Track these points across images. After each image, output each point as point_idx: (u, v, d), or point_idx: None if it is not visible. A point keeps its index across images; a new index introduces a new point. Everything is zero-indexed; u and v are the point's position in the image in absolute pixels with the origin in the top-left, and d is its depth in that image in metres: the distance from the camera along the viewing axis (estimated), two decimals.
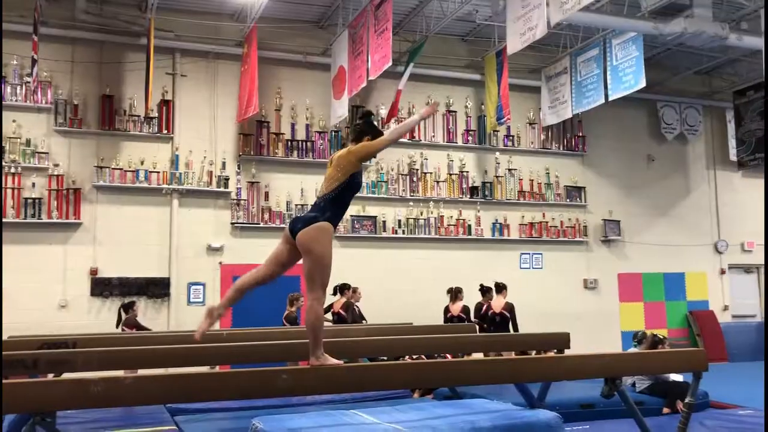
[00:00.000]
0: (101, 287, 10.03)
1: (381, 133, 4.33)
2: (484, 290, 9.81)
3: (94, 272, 10.04)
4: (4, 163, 9.64)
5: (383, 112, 11.86)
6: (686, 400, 5.28)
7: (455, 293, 9.75)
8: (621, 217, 13.19)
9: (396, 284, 11.08)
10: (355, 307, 9.76)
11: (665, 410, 7.27)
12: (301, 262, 4.19)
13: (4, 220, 9.37)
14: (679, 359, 5.61)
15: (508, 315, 9.48)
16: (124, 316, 9.16)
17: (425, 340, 6.51)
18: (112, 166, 10.22)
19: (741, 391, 8.61)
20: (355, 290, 9.94)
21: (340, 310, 9.59)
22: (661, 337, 8.04)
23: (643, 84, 10.17)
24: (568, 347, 6.82)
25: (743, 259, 14.31)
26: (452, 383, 6.40)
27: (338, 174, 4.14)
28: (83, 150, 10.21)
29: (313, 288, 4.09)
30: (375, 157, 4.05)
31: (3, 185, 9.47)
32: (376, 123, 5.32)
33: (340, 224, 11.21)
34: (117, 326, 9.18)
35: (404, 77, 10.68)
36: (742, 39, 10.02)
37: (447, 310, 9.81)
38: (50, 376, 5.12)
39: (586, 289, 12.87)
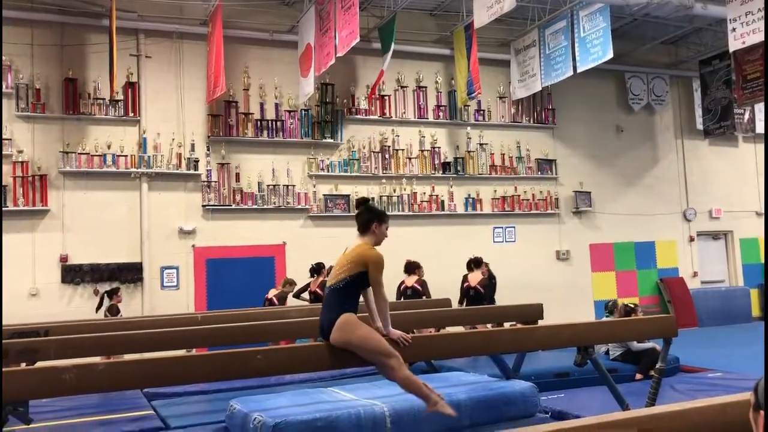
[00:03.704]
0: (72, 274, 9.90)
1: (383, 215, 4.41)
2: (476, 262, 9.81)
3: (64, 259, 9.90)
4: None
5: (356, 89, 11.80)
6: (657, 366, 5.41)
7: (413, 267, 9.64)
8: (591, 188, 13.33)
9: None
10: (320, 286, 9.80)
11: (638, 376, 7.42)
12: None
13: None
14: (650, 326, 5.73)
15: (482, 290, 9.54)
16: (107, 302, 9.13)
17: (402, 316, 6.54)
18: (78, 151, 10.03)
19: (710, 354, 8.83)
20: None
21: (317, 290, 9.60)
22: (633, 306, 8.17)
23: (610, 55, 10.22)
24: (542, 318, 6.92)
25: (711, 226, 14.58)
26: (428, 357, 6.46)
27: (350, 266, 4.16)
28: (47, 135, 10.00)
29: (383, 363, 4.10)
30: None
31: None
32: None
33: (313, 203, 11.27)
34: (97, 311, 9.14)
35: (387, 57, 10.56)
36: (707, 8, 10.11)
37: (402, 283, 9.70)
38: (23, 365, 5.05)
39: (559, 260, 13.03)
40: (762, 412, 1.62)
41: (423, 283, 9.46)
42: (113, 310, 9.02)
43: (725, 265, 14.82)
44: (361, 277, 4.17)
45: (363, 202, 4.53)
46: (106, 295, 9.24)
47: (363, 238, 4.33)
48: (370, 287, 4.23)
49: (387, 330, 4.24)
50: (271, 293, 9.70)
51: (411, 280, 9.47)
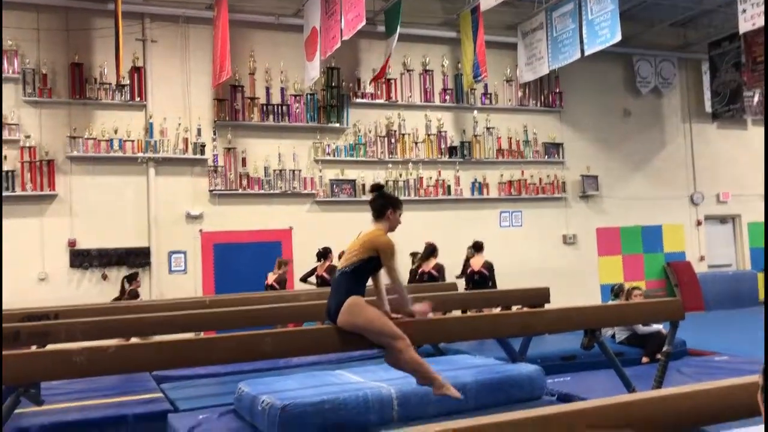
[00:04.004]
0: (80, 259, 9.96)
1: (398, 202, 4.41)
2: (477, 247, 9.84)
3: (72, 244, 9.95)
4: None
5: (361, 73, 11.76)
6: (664, 349, 5.41)
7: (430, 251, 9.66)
8: (598, 172, 13.29)
9: None
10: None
11: (644, 359, 7.42)
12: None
13: None
14: (657, 309, 5.73)
15: (486, 273, 9.56)
16: (127, 287, 9.30)
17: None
18: (85, 136, 10.05)
19: (717, 338, 8.83)
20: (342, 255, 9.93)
21: (324, 273, 9.65)
22: (635, 286, 8.19)
23: (618, 38, 10.13)
24: (548, 301, 6.93)
25: (719, 210, 14.53)
26: (435, 340, 6.48)
27: (360, 251, 4.19)
28: (54, 120, 10.02)
29: (390, 345, 4.12)
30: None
31: None
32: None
33: (319, 188, 11.29)
34: (119, 298, 9.28)
35: (393, 41, 10.50)
36: None
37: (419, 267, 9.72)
38: (33, 349, 5.10)
39: (565, 244, 13.02)
40: None
41: (440, 268, 9.46)
42: (132, 295, 9.18)
43: (732, 248, 14.78)
44: (371, 263, 4.17)
45: (378, 188, 4.52)
46: (125, 280, 9.41)
47: (377, 224, 4.34)
48: (381, 272, 4.25)
49: (410, 308, 4.30)
50: (271, 278, 9.68)
51: (429, 265, 9.49)
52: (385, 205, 4.35)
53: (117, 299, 9.22)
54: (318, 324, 6.55)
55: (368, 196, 4.61)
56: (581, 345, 5.22)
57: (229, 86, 10.82)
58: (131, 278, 9.43)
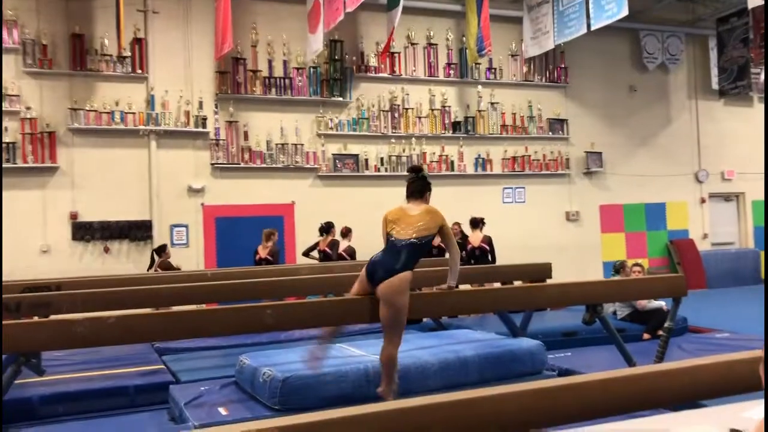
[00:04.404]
0: (82, 231, 9.95)
1: (431, 184, 4.73)
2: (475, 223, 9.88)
3: (74, 216, 9.94)
4: None
5: (365, 47, 11.64)
6: (665, 325, 5.41)
7: None
8: (603, 149, 13.20)
9: (379, 222, 11.05)
10: (347, 249, 9.86)
11: (645, 336, 7.44)
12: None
13: None
14: (660, 285, 5.72)
15: (487, 248, 9.58)
16: (157, 259, 9.42)
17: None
18: (87, 108, 9.98)
19: (718, 315, 8.83)
20: (348, 232, 9.95)
21: (326, 248, 9.65)
22: (636, 263, 8.20)
23: (625, 12, 9.98)
24: (550, 277, 6.92)
25: (723, 187, 14.45)
26: (439, 314, 6.49)
27: (430, 225, 4.42)
28: (55, 92, 9.95)
29: (392, 336, 4.28)
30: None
31: None
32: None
33: (322, 163, 11.26)
34: (149, 269, 9.45)
35: (397, 13, 10.35)
36: None
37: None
38: (36, 319, 5.11)
39: (569, 221, 12.98)
40: None
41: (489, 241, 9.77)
42: (164, 266, 9.30)
43: (736, 227, 14.73)
44: (433, 238, 4.50)
45: (418, 170, 4.77)
46: (154, 252, 9.54)
47: (418, 203, 4.57)
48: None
49: (455, 283, 4.62)
50: (263, 252, 9.47)
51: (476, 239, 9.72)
52: (426, 186, 4.66)
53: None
54: (320, 297, 6.56)
55: (402, 175, 4.90)
56: (582, 320, 5.22)
57: (231, 59, 10.72)
58: (160, 250, 9.52)
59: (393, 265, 4.23)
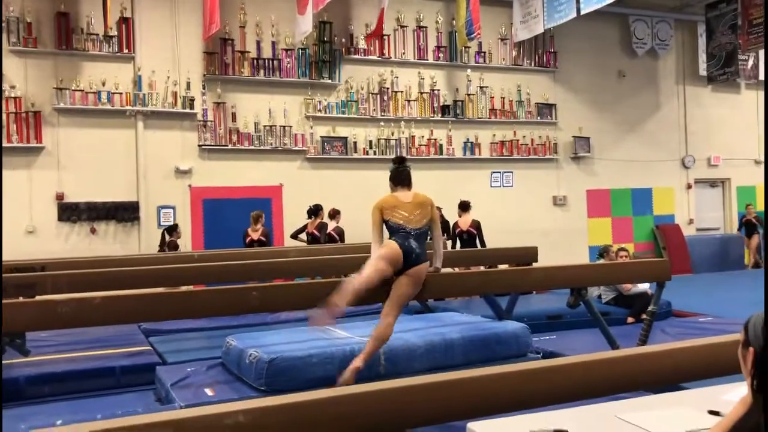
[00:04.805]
0: (68, 212, 9.89)
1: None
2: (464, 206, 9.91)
3: (60, 197, 9.87)
4: None
5: (354, 29, 11.57)
6: (649, 308, 5.47)
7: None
8: (591, 134, 13.23)
9: (368, 204, 11.02)
10: (336, 228, 9.90)
11: (629, 320, 7.50)
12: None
13: None
14: (644, 269, 5.77)
15: (475, 232, 9.63)
16: (168, 239, 9.42)
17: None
18: (72, 88, 9.88)
19: (702, 300, 8.91)
20: (336, 213, 9.99)
21: (314, 231, 9.65)
22: (622, 247, 8.26)
23: None
24: (536, 261, 6.96)
25: (709, 173, 14.56)
26: (423, 296, 6.51)
27: (429, 215, 4.76)
28: (41, 71, 9.83)
29: (396, 311, 4.52)
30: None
31: None
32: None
33: (310, 145, 11.23)
34: (160, 249, 9.46)
35: None
36: None
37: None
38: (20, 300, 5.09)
39: (556, 205, 13.04)
40: (751, 349, 1.64)
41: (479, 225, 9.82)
42: (172, 246, 9.31)
43: (721, 212, 14.86)
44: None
45: (404, 159, 5.04)
46: (165, 231, 9.54)
47: (405, 190, 4.83)
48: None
49: (440, 265, 4.88)
50: (255, 235, 9.45)
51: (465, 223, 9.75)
52: (410, 175, 4.91)
53: (160, 251, 9.37)
54: (308, 279, 6.57)
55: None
56: (567, 303, 5.26)
57: (219, 39, 10.63)
58: (171, 229, 9.53)
59: (421, 250, 4.59)
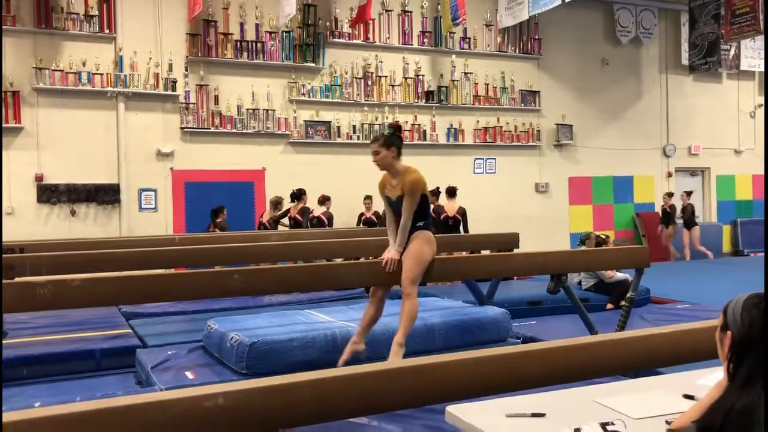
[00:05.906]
0: (48, 194, 9.78)
1: (402, 143, 4.74)
2: (435, 193, 9.94)
3: (39, 178, 9.75)
4: None
5: (339, 12, 11.48)
6: (628, 295, 5.52)
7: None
8: (574, 121, 13.29)
9: (351, 190, 11.04)
10: (325, 213, 9.91)
11: (609, 306, 7.58)
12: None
13: None
14: (623, 256, 5.82)
15: (460, 218, 9.67)
16: (215, 220, 9.48)
17: (377, 242, 6.57)
18: (52, 68, 9.73)
19: (680, 287, 9.02)
20: (326, 200, 10.12)
21: (297, 215, 9.63)
22: (604, 237, 8.31)
23: None
24: (517, 247, 7.00)
25: (689, 162, 14.70)
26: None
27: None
28: (19, 50, 9.67)
29: (410, 286, 4.42)
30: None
31: None
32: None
33: (293, 129, 11.17)
34: (207, 230, 9.46)
35: None
36: None
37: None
38: None
39: (538, 192, 13.11)
40: (729, 333, 1.66)
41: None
42: (220, 227, 9.33)
43: (701, 201, 15.02)
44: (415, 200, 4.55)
45: (399, 129, 4.93)
46: (212, 213, 9.54)
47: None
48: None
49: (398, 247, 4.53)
50: (265, 217, 9.86)
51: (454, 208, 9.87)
52: (393, 143, 4.70)
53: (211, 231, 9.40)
54: (290, 264, 6.56)
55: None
56: (547, 289, 5.31)
57: (202, 21, 10.51)
58: (218, 211, 9.53)
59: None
